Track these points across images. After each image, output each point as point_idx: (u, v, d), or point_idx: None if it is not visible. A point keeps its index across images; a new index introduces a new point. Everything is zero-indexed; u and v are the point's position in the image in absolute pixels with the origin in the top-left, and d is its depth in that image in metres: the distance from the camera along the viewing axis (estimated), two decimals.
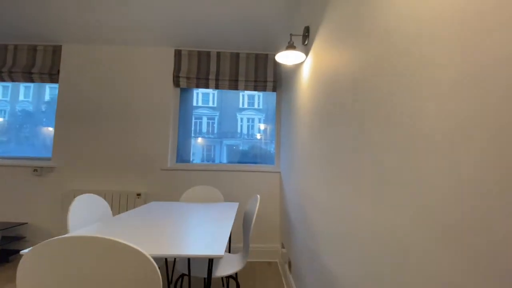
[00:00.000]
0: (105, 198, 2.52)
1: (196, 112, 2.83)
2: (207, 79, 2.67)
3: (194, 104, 2.81)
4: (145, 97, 2.69)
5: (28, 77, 2.71)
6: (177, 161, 2.75)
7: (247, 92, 2.85)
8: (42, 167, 2.62)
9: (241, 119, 2.88)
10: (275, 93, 2.83)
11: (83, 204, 1.48)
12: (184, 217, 1.53)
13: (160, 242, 1.06)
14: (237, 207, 1.88)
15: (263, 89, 2.69)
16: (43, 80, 2.74)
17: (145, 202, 2.57)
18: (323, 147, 1.21)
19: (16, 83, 2.87)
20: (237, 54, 2.72)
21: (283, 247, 2.35)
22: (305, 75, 1.62)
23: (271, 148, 2.82)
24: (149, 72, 2.71)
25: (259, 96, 2.87)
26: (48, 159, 2.74)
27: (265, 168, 2.70)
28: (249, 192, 2.64)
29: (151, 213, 1.60)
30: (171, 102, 2.68)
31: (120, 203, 2.51)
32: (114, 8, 2.08)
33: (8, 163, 2.63)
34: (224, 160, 2.82)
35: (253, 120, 2.87)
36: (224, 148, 2.85)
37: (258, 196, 1.58)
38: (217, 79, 2.67)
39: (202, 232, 1.23)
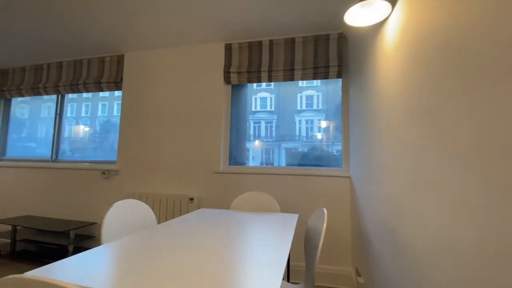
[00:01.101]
0: (160, 202, 2.47)
1: (255, 117, 2.60)
2: (259, 71, 2.38)
3: (253, 109, 2.58)
4: (197, 97, 2.57)
5: (99, 87, 2.93)
6: (230, 164, 2.53)
7: (305, 93, 2.51)
8: (109, 170, 2.76)
9: (299, 121, 2.55)
10: (339, 82, 2.34)
11: (125, 210, 1.34)
12: (232, 231, 1.23)
13: (195, 270, 0.76)
14: (296, 220, 1.49)
15: (325, 76, 2.25)
16: (110, 89, 2.92)
17: (198, 207, 2.42)
18: (444, 141, 0.73)
19: (95, 102, 3.15)
20: (292, 40, 2.35)
21: (358, 273, 1.83)
22: (392, 38, 1.14)
23: (334, 149, 2.34)
24: (200, 71, 2.58)
25: (318, 96, 2.47)
26: (114, 162, 2.88)
27: (330, 171, 2.23)
28: (310, 200, 2.21)
29: (196, 224, 1.35)
30: (222, 100, 2.49)
31: (174, 207, 2.42)
32: (167, 11, 1.99)
33: (83, 166, 2.86)
34: (283, 163, 2.47)
35: (312, 121, 2.50)
36: (283, 152, 2.53)
37: (325, 210, 1.16)
38: (270, 71, 2.35)
39: (252, 254, 0.90)
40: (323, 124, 2.41)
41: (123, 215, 1.32)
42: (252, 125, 2.62)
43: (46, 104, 3.33)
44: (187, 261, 0.84)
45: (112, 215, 1.24)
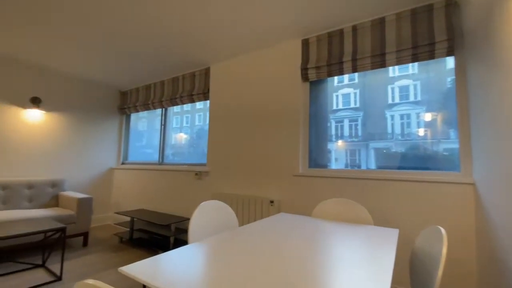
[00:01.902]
0: (242, 203, 2.53)
1: (336, 115, 2.37)
2: (341, 63, 2.13)
3: (334, 107, 2.37)
4: (275, 99, 2.53)
5: (191, 99, 3.31)
6: (310, 166, 2.36)
7: (398, 84, 2.11)
8: (200, 171, 3.05)
9: (392, 116, 2.17)
10: (446, 63, 1.83)
11: (208, 211, 1.39)
12: (317, 242, 1.08)
13: (279, 280, 0.67)
14: (397, 237, 1.20)
15: (429, 56, 1.80)
16: (199, 99, 3.25)
17: (278, 210, 2.35)
18: None
19: (193, 113, 3.62)
20: (381, 20, 2.00)
21: None
22: None
23: (441, 148, 1.83)
24: (277, 72, 2.54)
25: (415, 86, 2.02)
26: (205, 165, 3.18)
27: (440, 176, 1.75)
28: (413, 212, 1.79)
29: (277, 230, 1.27)
30: (300, 99, 2.37)
31: (256, 209, 2.43)
32: (246, 15, 2.06)
33: (181, 168, 3.27)
34: (372, 166, 2.12)
35: (408, 116, 2.07)
36: (371, 152, 2.19)
37: (442, 230, 0.86)
38: (354, 60, 2.07)
39: (344, 272, 0.73)
40: (427, 117, 1.94)
41: (208, 215, 1.37)
42: (333, 124, 2.38)
43: (158, 118, 4.02)
44: (269, 269, 0.75)
45: (197, 215, 1.30)
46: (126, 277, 2.12)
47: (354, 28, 2.11)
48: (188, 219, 2.92)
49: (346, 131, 2.32)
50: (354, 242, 1.10)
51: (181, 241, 2.94)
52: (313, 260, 0.87)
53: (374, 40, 2.01)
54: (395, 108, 2.11)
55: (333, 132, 2.36)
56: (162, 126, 3.82)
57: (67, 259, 2.52)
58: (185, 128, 3.67)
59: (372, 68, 2.01)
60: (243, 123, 2.74)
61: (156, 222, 2.67)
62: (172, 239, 2.75)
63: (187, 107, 3.72)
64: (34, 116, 3.31)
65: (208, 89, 3.14)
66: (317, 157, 2.38)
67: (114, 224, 3.34)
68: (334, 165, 2.30)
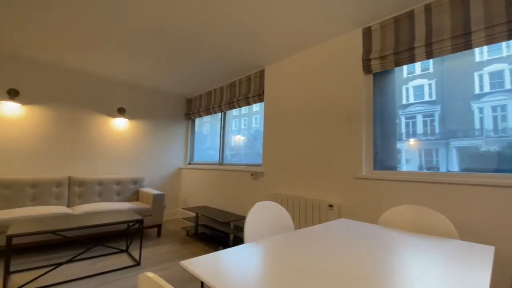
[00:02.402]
0: (299, 205, 2.46)
1: (407, 111, 2.10)
2: (412, 49, 1.86)
3: (404, 102, 2.11)
4: (333, 95, 2.38)
5: (247, 101, 3.40)
6: (376, 168, 2.14)
7: (487, 70, 1.74)
8: (256, 172, 3.11)
9: (480, 109, 1.80)
10: None
11: (263, 212, 1.38)
12: (383, 255, 0.95)
13: None
14: (492, 255, 0.96)
15: None
16: (255, 101, 3.32)
17: (337, 215, 2.20)
18: None
19: (251, 116, 3.75)
20: None
21: None
22: None
23: None
24: (335, 67, 2.39)
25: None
26: (260, 165, 3.22)
27: None
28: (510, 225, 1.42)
29: (337, 236, 1.18)
30: (362, 94, 2.16)
31: (313, 213, 2.33)
32: (303, 9, 2.01)
33: (238, 168, 3.40)
34: (455, 168, 1.78)
35: (503, 107, 1.69)
36: (453, 152, 1.85)
37: None
38: (428, 44, 1.78)
39: None
40: None
41: (263, 216, 1.37)
42: (403, 121, 2.10)
43: (219, 121, 4.29)
44: (330, 278, 0.69)
45: (253, 215, 1.31)
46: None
47: (427, 7, 1.81)
48: (245, 218, 3.00)
49: (420, 128, 2.02)
50: (436, 258, 0.92)
51: (239, 239, 3.04)
52: (384, 274, 0.76)
53: (455, 18, 1.69)
54: (485, 99, 1.73)
55: (403, 130, 2.08)
56: (222, 129, 4.04)
57: (144, 247, 2.89)
58: (243, 130, 3.82)
59: (453, 52, 1.69)
60: (299, 123, 2.67)
61: (217, 219, 2.83)
62: (231, 236, 2.87)
63: (245, 110, 3.86)
64: (120, 124, 3.93)
65: (263, 91, 3.17)
66: (383, 158, 2.13)
67: (182, 218, 3.70)
68: (404, 167, 2.03)
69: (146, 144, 4.20)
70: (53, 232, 1.97)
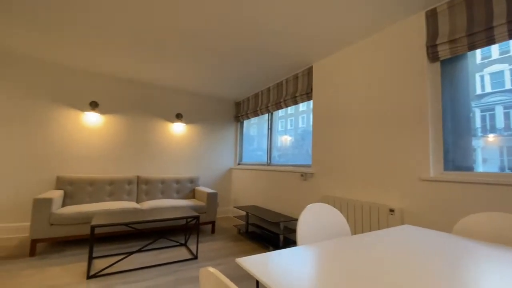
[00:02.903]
0: (354, 209, 2.31)
1: (483, 102, 1.81)
2: (490, 28, 1.57)
3: (478, 91, 1.82)
4: (391, 89, 2.18)
5: (294, 101, 3.36)
6: (446, 169, 1.87)
7: None
8: (306, 173, 3.04)
9: None
10: None
11: (316, 214, 1.34)
12: (459, 270, 0.82)
13: None
14: None
15: None
16: (303, 100, 3.25)
17: (400, 221, 1.99)
18: None
19: (297, 116, 3.72)
20: None
21: None
22: None
23: None
24: (392, 57, 2.17)
25: None
26: (310, 166, 3.13)
27: None
28: None
29: (401, 244, 1.07)
30: (426, 85, 1.92)
31: (371, 217, 2.16)
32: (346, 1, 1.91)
33: (286, 169, 3.37)
34: None
35: None
36: None
37: None
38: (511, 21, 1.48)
39: None
40: None
41: (316, 219, 1.32)
42: (478, 114, 1.79)
43: (266, 123, 4.35)
44: None
45: (305, 217, 1.28)
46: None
47: None
48: (295, 219, 2.95)
49: (500, 122, 1.70)
50: None
51: (289, 240, 3.01)
52: None
53: None
54: None
55: (479, 124, 1.78)
56: (269, 130, 4.07)
57: (200, 242, 3.09)
58: (289, 130, 3.78)
59: None
60: (353, 120, 2.51)
61: (267, 219, 2.85)
62: (281, 237, 2.85)
63: (291, 110, 3.82)
64: (178, 128, 4.29)
65: (311, 89, 3.08)
66: (455, 157, 1.85)
67: (234, 216, 3.84)
68: (481, 167, 1.73)
69: (201, 146, 4.50)
70: (127, 224, 2.26)
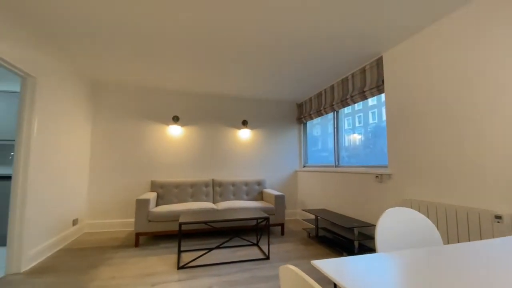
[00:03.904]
0: (445, 216, 1.99)
1: None
2: None
3: None
4: (488, 72, 1.80)
5: (363, 96, 3.13)
6: None
7: None
8: (381, 174, 2.78)
9: None
10: None
11: (397, 219, 1.22)
12: None
13: None
14: None
15: None
16: (373, 94, 3.00)
17: (511, 230, 1.61)
18: None
19: (366, 111, 3.48)
20: None
21: None
22: None
23: None
24: (485, 33, 1.80)
25: None
26: (386, 166, 2.85)
27: None
28: None
29: (509, 261, 0.88)
30: None
31: (469, 225, 1.82)
32: None
33: (358, 170, 3.15)
34: None
35: None
36: None
37: None
38: None
39: None
40: None
41: (398, 224, 1.20)
42: None
43: (331, 122, 4.20)
44: None
45: (384, 222, 1.18)
46: (314, 270, 2.31)
47: None
48: (371, 225, 2.72)
49: None
50: None
51: (366, 247, 2.79)
52: None
53: None
54: None
55: None
56: (335, 129, 3.89)
57: (271, 243, 3.17)
58: (358, 128, 3.53)
59: None
60: (439, 112, 2.18)
61: (339, 223, 2.72)
62: (356, 244, 2.68)
63: (358, 106, 3.56)
64: (244, 134, 4.55)
65: (382, 81, 2.81)
66: None
67: (302, 219, 3.81)
68: None
69: (265, 149, 4.65)
70: (208, 222, 2.52)
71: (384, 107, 2.82)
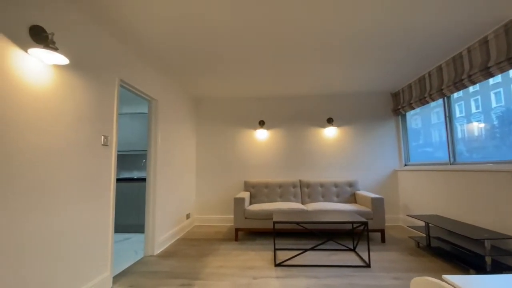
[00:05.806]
0: None
1: None
2: None
3: None
4: None
5: (487, 73, 2.48)
6: None
7: None
8: None
9: None
10: None
11: None
12: None
13: None
14: None
15: None
16: (502, 70, 2.33)
17: None
18: None
19: (485, 92, 2.76)
20: None
21: None
22: None
23: None
24: None
25: None
26: None
27: None
28: None
29: None
30: None
31: None
32: None
33: (484, 168, 2.50)
34: None
35: None
36: None
37: None
38: None
39: None
40: None
41: None
42: None
43: (434, 110, 3.52)
44: None
45: None
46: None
47: None
48: (509, 237, 2.09)
49: None
50: None
51: (500, 264, 2.17)
52: None
53: None
54: None
55: None
56: (447, 118, 3.21)
57: (371, 250, 2.89)
58: (476, 115, 2.80)
59: None
60: None
61: (462, 233, 2.22)
62: (488, 260, 2.12)
63: (473, 87, 2.83)
64: (329, 132, 4.36)
65: None
66: None
67: (407, 226, 3.30)
68: None
69: (356, 147, 4.30)
70: (301, 223, 2.53)
71: None
